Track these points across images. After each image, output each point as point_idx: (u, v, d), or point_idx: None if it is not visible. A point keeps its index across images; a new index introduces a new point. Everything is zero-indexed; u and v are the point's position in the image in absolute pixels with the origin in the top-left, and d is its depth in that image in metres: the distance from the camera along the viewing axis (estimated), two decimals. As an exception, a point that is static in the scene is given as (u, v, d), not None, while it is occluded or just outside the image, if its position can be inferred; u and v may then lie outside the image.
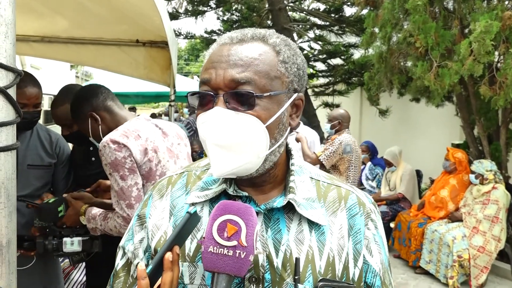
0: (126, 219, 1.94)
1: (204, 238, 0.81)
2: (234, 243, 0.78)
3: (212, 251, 0.79)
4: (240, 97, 0.88)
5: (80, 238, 2.11)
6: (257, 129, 0.89)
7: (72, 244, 2.11)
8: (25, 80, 2.25)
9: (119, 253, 1.06)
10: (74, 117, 2.20)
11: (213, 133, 0.88)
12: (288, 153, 1.03)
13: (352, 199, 1.02)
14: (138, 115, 2.25)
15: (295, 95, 0.96)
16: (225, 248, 0.78)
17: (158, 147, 2.07)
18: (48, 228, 2.17)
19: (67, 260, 3.02)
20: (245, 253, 0.78)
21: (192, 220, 0.84)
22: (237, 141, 0.88)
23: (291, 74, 0.94)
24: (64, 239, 2.11)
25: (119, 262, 1.05)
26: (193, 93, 0.93)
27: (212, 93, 0.89)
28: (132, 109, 15.19)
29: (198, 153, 5.75)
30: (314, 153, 4.58)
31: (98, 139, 2.10)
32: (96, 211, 2.09)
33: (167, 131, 2.21)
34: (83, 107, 2.14)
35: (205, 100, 0.91)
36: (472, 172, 5.22)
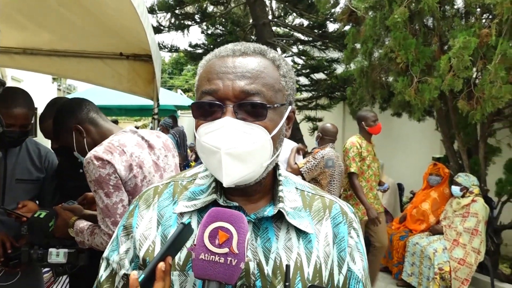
0: (111, 236, 1.89)
1: (195, 245, 0.81)
2: (226, 250, 0.79)
3: (203, 258, 0.79)
4: (252, 108, 0.90)
5: (66, 250, 2.07)
6: (265, 139, 0.91)
7: (57, 255, 2.06)
8: (15, 99, 2.23)
9: (103, 264, 1.05)
10: (57, 130, 2.16)
11: (227, 143, 0.89)
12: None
13: (336, 208, 1.05)
14: (124, 128, 2.22)
15: (289, 108, 1.00)
16: (217, 255, 0.79)
17: (143, 162, 2.03)
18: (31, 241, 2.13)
19: (47, 274, 2.98)
20: (236, 260, 0.79)
21: (185, 231, 0.85)
22: (248, 151, 0.90)
23: (289, 88, 0.99)
24: (50, 249, 2.06)
25: (103, 273, 1.04)
26: (200, 103, 0.94)
27: (220, 103, 0.91)
28: (114, 122, 15.11)
29: (183, 166, 5.73)
30: (296, 164, 4.60)
31: (83, 153, 2.07)
32: (83, 224, 2.05)
33: (153, 143, 2.16)
34: (67, 120, 2.11)
35: (210, 110, 0.92)
36: (457, 184, 5.28)
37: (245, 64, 0.93)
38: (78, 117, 2.11)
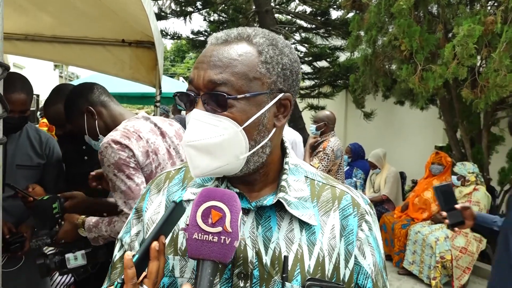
0: None
1: (187, 225, 0.80)
2: (219, 229, 0.78)
3: (197, 237, 0.79)
4: (215, 99, 0.88)
5: (83, 251, 2.02)
6: (233, 131, 0.88)
7: (75, 259, 2.01)
8: (14, 85, 2.22)
9: (117, 245, 1.07)
10: (68, 114, 2.14)
11: (189, 135, 0.89)
12: (283, 152, 1.03)
13: (346, 199, 1.01)
14: (137, 113, 2.18)
15: (280, 95, 0.93)
16: (210, 235, 0.78)
17: (158, 149, 2.02)
18: (36, 228, 2.13)
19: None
20: (229, 239, 0.79)
21: (177, 210, 0.84)
22: (214, 143, 0.88)
23: (274, 75, 0.92)
24: (67, 255, 2.01)
25: (117, 253, 1.06)
26: (176, 94, 0.94)
27: (192, 94, 0.90)
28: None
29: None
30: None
31: (95, 136, 2.05)
32: (96, 218, 2.00)
33: (166, 131, 2.14)
34: (79, 103, 2.09)
35: (188, 100, 0.92)
36: (455, 174, 5.29)
37: (220, 52, 0.90)
38: (90, 99, 2.09)
